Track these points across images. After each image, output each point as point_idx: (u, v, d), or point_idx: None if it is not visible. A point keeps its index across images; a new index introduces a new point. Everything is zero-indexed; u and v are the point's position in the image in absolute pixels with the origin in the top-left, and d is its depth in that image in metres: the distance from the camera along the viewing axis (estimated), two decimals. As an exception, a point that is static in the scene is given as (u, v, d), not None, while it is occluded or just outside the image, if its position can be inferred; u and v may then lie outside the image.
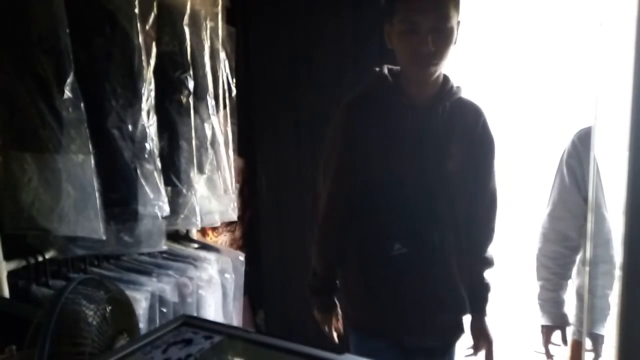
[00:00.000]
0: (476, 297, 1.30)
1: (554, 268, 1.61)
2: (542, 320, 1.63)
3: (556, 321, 1.60)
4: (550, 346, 1.64)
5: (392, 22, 1.10)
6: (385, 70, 1.20)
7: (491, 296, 1.33)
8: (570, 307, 1.64)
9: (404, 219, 1.17)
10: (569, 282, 1.63)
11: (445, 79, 1.19)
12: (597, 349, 1.49)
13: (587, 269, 1.46)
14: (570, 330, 1.63)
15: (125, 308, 0.85)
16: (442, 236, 1.19)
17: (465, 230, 1.23)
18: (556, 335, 1.63)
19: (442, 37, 1.06)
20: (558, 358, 1.66)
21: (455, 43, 1.10)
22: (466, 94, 1.23)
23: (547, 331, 1.63)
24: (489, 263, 1.32)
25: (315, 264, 1.30)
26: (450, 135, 1.18)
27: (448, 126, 1.18)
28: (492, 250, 1.33)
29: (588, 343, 1.51)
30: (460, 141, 1.19)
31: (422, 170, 1.16)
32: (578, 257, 1.58)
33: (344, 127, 1.19)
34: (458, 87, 1.21)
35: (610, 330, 1.49)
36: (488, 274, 1.33)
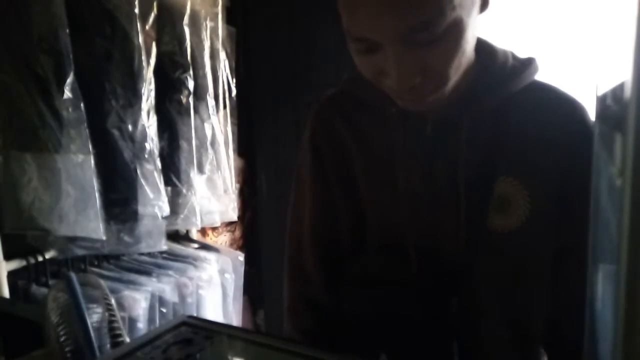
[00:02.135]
0: None
1: None
2: None
3: None
4: None
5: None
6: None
7: None
8: None
9: (402, 316, 0.67)
10: None
11: (488, 52, 0.64)
12: None
13: (588, 257, 1.46)
14: None
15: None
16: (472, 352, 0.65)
17: (535, 336, 0.68)
18: None
19: (435, 52, 0.54)
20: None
21: (473, 37, 0.57)
22: (544, 76, 0.65)
23: None
24: None
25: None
26: (497, 164, 0.63)
27: (492, 147, 0.63)
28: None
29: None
30: (526, 168, 0.63)
31: (438, 230, 0.65)
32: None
33: (310, 151, 0.74)
34: (523, 66, 0.64)
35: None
36: None
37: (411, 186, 0.66)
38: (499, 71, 0.63)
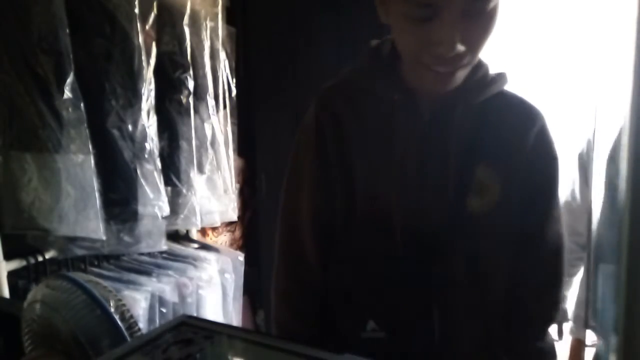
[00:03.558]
0: None
1: None
2: None
3: None
4: None
5: None
6: (385, 48, 0.78)
7: None
8: (571, 304, 1.64)
9: (388, 285, 0.75)
10: (574, 279, 1.64)
11: (477, 67, 0.74)
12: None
13: (589, 257, 1.47)
14: (567, 328, 1.64)
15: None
16: (448, 322, 0.74)
17: (504, 312, 0.78)
18: (553, 330, 1.64)
19: (480, 25, 0.63)
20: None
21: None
22: (514, 87, 0.78)
23: None
24: (545, 356, 0.80)
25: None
26: (479, 152, 0.73)
27: (475, 138, 0.73)
28: (550, 333, 0.83)
29: (588, 339, 1.52)
30: (498, 161, 0.74)
31: (425, 208, 0.73)
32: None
33: (314, 132, 0.80)
34: (496, 75, 0.76)
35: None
36: None
37: (404, 168, 0.74)
38: (483, 76, 0.75)
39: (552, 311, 0.81)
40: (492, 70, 0.76)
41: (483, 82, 0.74)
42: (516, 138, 0.75)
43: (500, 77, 0.76)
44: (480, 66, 0.75)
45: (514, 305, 0.78)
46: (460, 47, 0.62)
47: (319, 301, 0.83)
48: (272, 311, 0.90)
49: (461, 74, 0.70)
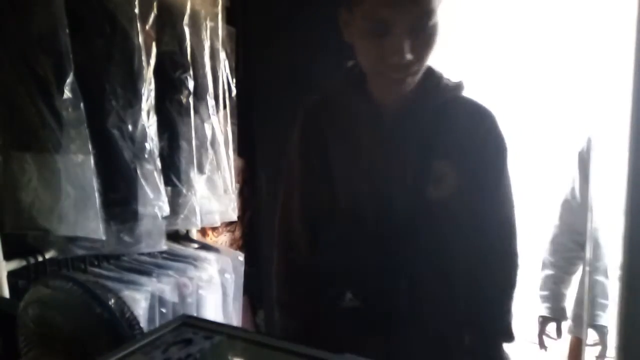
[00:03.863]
0: None
1: (558, 261, 1.62)
2: (540, 310, 1.64)
3: (554, 314, 1.62)
4: (545, 338, 1.66)
5: (352, 14, 0.80)
6: (357, 69, 0.91)
7: None
8: (569, 302, 1.65)
9: (361, 260, 0.89)
10: (573, 277, 1.64)
11: (429, 72, 0.86)
12: (603, 341, 1.49)
13: (588, 256, 1.47)
14: (566, 326, 1.64)
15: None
16: (416, 290, 0.87)
17: (465, 287, 0.90)
18: (552, 328, 1.64)
19: (425, 38, 0.77)
20: (552, 351, 1.67)
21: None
22: (468, 91, 0.91)
23: (543, 322, 1.64)
24: (505, 334, 0.91)
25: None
26: (435, 149, 0.86)
27: (432, 136, 0.86)
28: (509, 317, 0.92)
29: (590, 337, 1.52)
30: (452, 156, 0.86)
31: (390, 196, 0.87)
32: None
33: (299, 139, 0.97)
34: (453, 83, 0.89)
35: (611, 324, 1.49)
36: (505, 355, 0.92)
37: (372, 165, 0.88)
38: (436, 84, 0.88)
39: (507, 291, 0.92)
40: (449, 78, 0.89)
41: (436, 89, 0.87)
42: (469, 134, 0.87)
43: (457, 85, 0.89)
44: (432, 75, 0.87)
45: (473, 283, 0.90)
46: (409, 56, 0.76)
47: (310, 281, 0.98)
48: (274, 293, 1.09)
49: (412, 80, 0.83)
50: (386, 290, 0.87)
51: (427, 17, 0.75)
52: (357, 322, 0.87)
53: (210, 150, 1.66)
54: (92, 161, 1.13)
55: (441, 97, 0.87)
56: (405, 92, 0.85)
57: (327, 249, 0.93)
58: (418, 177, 0.86)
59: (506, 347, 0.92)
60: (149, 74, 1.32)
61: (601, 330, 1.49)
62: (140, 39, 1.27)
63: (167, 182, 1.43)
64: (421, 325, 0.88)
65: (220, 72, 1.75)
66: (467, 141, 0.87)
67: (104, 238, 1.17)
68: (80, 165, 1.11)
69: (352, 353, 0.72)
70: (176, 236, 1.76)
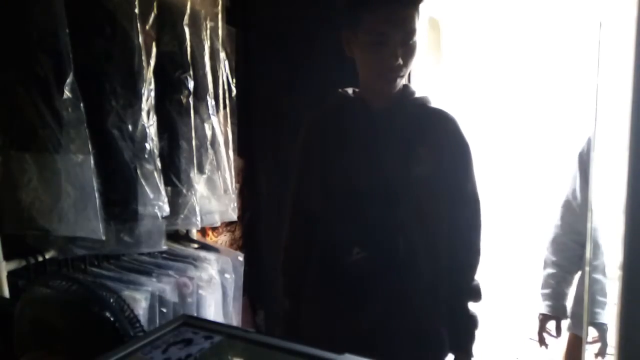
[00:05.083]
0: (459, 332, 1.16)
1: (560, 260, 1.62)
2: (540, 308, 1.65)
3: (554, 312, 1.62)
4: (545, 335, 1.66)
5: (355, 32, 1.08)
6: (350, 90, 1.21)
7: (477, 334, 1.16)
8: (569, 301, 1.65)
9: (363, 223, 1.13)
10: (574, 276, 1.64)
11: (405, 86, 1.17)
12: (603, 338, 1.50)
13: (588, 255, 1.47)
14: (565, 324, 1.64)
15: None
16: (409, 243, 1.12)
17: (444, 250, 1.15)
18: (552, 325, 1.64)
19: (409, 50, 1.06)
20: (552, 348, 1.67)
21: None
22: (435, 103, 1.19)
23: (543, 319, 1.64)
24: (473, 294, 1.18)
25: (283, 289, 1.30)
26: (414, 140, 1.13)
27: (411, 130, 1.14)
28: (478, 279, 1.18)
29: (590, 335, 1.52)
30: (427, 145, 1.13)
31: (381, 174, 1.13)
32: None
33: (304, 140, 1.25)
34: (422, 96, 1.19)
35: (611, 322, 1.50)
36: (473, 307, 1.18)
37: (366, 152, 1.14)
38: (412, 92, 1.18)
39: (475, 256, 1.17)
40: (419, 93, 1.18)
41: (412, 96, 1.17)
42: (438, 128, 1.15)
43: (424, 97, 1.19)
44: (409, 88, 1.18)
45: (451, 248, 1.15)
46: (400, 61, 1.05)
47: (309, 249, 1.23)
48: (280, 266, 1.31)
49: (399, 82, 1.12)
50: (387, 246, 1.11)
51: (412, 34, 1.05)
52: (363, 271, 1.11)
53: (210, 150, 1.66)
54: (92, 161, 1.13)
55: (417, 101, 1.17)
56: (391, 94, 1.13)
57: (339, 216, 1.16)
58: (403, 158, 1.12)
59: (473, 306, 1.17)
60: (148, 73, 1.32)
61: (601, 328, 1.50)
62: (140, 39, 1.27)
63: (167, 182, 1.43)
64: (414, 278, 1.13)
65: (220, 72, 1.75)
66: (438, 133, 1.15)
67: (103, 238, 1.17)
68: (80, 165, 1.11)
69: (352, 311, 1.11)
70: (176, 236, 1.76)
